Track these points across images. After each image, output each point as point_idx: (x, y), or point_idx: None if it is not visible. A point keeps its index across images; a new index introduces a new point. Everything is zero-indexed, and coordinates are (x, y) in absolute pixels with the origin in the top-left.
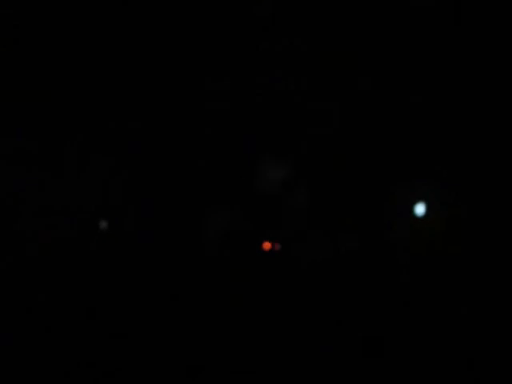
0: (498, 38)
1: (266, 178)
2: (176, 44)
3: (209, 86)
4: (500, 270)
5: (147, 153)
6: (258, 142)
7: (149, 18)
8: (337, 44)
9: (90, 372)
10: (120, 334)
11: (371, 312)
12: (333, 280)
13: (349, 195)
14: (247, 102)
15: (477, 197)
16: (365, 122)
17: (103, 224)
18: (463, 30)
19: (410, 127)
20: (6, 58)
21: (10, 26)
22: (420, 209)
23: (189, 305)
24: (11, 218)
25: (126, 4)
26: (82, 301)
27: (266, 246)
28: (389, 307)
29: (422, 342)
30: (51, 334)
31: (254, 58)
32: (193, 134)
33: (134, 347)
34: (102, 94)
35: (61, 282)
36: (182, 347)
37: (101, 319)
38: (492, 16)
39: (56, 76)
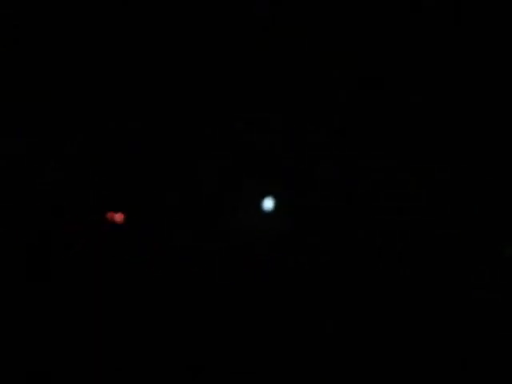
0: (498, 38)
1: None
2: (176, 44)
3: (208, 86)
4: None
5: (147, 153)
6: (257, 141)
7: (149, 17)
8: (336, 44)
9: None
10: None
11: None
12: None
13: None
14: (247, 102)
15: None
16: (364, 121)
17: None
18: (463, 30)
19: (407, 127)
20: (6, 58)
21: (10, 25)
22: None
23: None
24: (11, 217)
25: (126, 4)
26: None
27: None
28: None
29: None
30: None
31: (253, 58)
32: (192, 134)
33: (127, 342)
34: (101, 93)
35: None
36: (176, 342)
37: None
38: (492, 16)
39: (56, 76)
